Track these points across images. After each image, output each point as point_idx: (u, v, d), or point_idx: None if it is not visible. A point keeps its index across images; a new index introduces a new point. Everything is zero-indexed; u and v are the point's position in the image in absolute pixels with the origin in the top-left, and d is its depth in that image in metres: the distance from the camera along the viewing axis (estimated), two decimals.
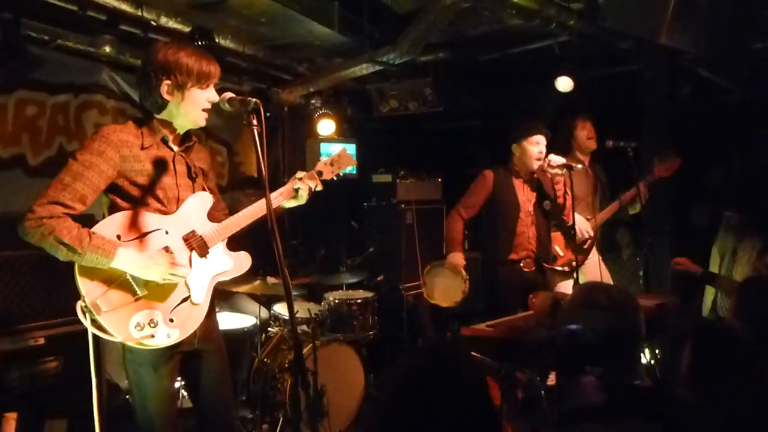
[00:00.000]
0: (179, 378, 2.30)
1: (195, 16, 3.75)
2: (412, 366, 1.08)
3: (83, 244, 1.89)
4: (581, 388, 1.64)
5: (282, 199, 2.32)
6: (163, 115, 2.14)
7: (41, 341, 2.99)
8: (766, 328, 2.06)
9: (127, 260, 1.96)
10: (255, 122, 1.87)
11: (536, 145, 3.76)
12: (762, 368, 1.63)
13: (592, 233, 3.99)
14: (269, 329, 4.02)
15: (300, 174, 2.35)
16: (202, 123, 2.17)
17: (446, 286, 3.88)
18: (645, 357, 3.91)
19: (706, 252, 4.16)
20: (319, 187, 2.37)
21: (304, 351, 3.62)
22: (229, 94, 2.08)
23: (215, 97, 2.13)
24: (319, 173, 2.41)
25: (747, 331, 1.98)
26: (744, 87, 4.70)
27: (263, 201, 2.11)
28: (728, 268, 3.88)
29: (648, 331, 3.44)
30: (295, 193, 2.32)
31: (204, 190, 2.27)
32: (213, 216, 2.26)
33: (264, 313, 4.02)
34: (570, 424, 1.62)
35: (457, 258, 3.81)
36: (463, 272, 3.77)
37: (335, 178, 2.48)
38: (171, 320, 2.02)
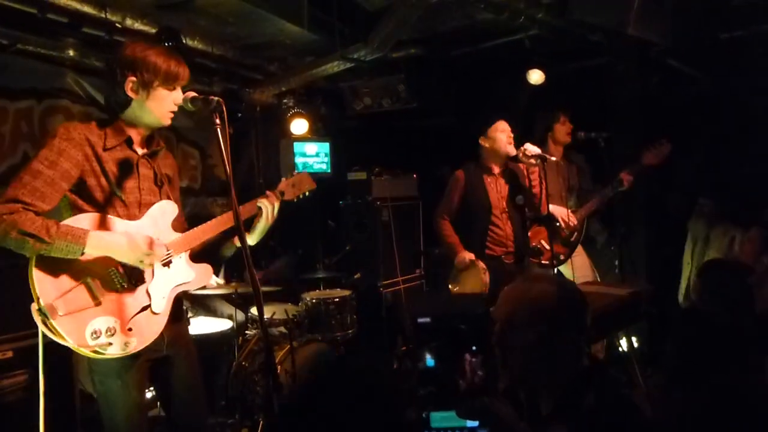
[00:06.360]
0: (151, 388, 2.25)
1: (161, 17, 3.67)
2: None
3: (50, 232, 1.82)
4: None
5: (247, 214, 2.28)
6: (126, 115, 2.08)
7: (9, 354, 2.92)
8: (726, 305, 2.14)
9: (101, 242, 1.90)
10: (218, 121, 1.83)
11: (503, 131, 3.79)
12: (749, 358, 1.64)
13: (575, 221, 3.99)
14: (246, 332, 3.97)
15: (268, 194, 2.33)
16: (167, 122, 2.12)
17: (471, 281, 3.84)
18: (622, 346, 3.95)
19: (679, 240, 4.22)
20: (277, 206, 2.34)
21: (282, 352, 3.59)
22: (191, 94, 2.04)
23: (181, 100, 2.08)
24: (282, 193, 2.40)
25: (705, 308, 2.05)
26: (712, 77, 4.76)
27: (229, 215, 2.10)
28: (701, 253, 3.95)
29: (624, 319, 3.48)
30: (258, 210, 2.29)
31: (169, 198, 2.21)
32: (175, 226, 2.20)
33: (240, 315, 3.97)
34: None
35: (465, 255, 3.79)
36: (478, 262, 3.73)
37: (295, 200, 2.48)
38: (129, 329, 1.96)
